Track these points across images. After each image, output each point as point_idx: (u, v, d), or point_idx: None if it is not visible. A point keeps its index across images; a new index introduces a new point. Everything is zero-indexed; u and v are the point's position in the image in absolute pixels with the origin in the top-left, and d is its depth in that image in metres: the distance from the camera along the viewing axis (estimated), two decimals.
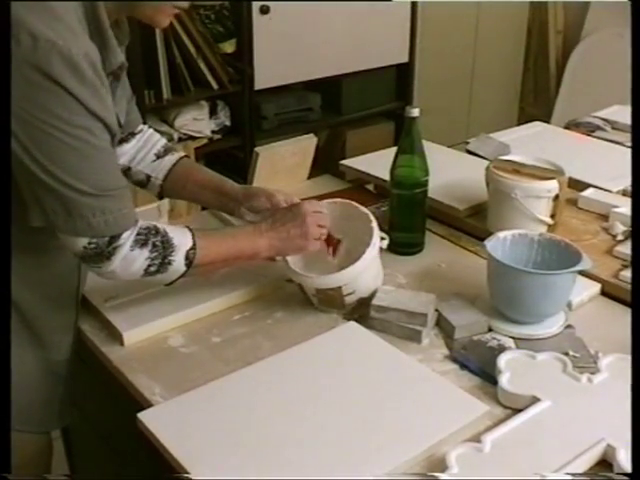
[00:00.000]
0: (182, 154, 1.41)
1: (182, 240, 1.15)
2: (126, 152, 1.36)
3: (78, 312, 1.28)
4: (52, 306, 1.21)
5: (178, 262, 1.14)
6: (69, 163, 1.01)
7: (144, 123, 1.41)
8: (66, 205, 1.03)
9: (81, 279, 1.27)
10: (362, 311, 1.28)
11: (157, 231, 1.13)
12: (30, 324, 1.18)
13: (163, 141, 1.41)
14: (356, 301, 1.28)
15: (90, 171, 1.03)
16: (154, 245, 1.12)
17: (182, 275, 1.17)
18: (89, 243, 1.07)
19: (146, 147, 1.38)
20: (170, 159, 1.38)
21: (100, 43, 1.04)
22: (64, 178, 1.01)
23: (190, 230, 1.17)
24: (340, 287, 1.25)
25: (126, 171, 1.37)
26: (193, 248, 1.15)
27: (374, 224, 1.29)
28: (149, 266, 1.12)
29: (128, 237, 1.09)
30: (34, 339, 1.20)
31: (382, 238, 1.31)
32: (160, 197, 1.41)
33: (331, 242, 1.31)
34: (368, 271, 1.27)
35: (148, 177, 1.37)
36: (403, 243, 1.49)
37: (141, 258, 1.11)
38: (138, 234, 1.11)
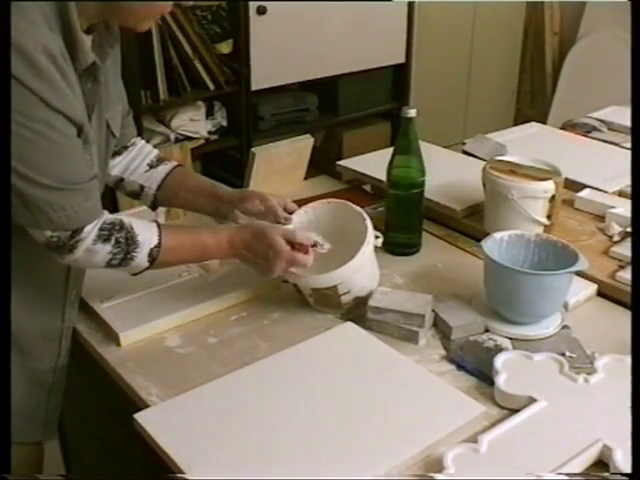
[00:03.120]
0: (175, 163, 1.39)
1: (147, 237, 1.15)
2: (118, 163, 1.35)
3: (65, 321, 1.25)
4: (32, 312, 1.19)
5: (140, 259, 1.15)
6: (29, 157, 1.00)
7: (138, 135, 1.40)
8: (25, 201, 1.03)
9: (70, 287, 1.24)
10: (358, 311, 1.28)
11: (122, 227, 1.13)
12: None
13: (155, 152, 1.40)
14: (352, 300, 1.28)
15: (51, 165, 1.03)
16: (117, 241, 1.12)
17: (145, 270, 1.18)
18: (51, 236, 1.07)
19: (139, 157, 1.37)
20: (164, 168, 1.37)
21: (69, 41, 1.03)
22: (24, 172, 1.01)
23: (158, 227, 1.17)
24: (335, 286, 1.24)
25: (119, 182, 1.37)
26: (158, 246, 1.16)
27: (368, 222, 1.29)
28: (111, 260, 1.13)
29: (90, 231, 1.09)
30: (13, 345, 1.17)
31: (376, 237, 1.31)
32: (153, 208, 1.40)
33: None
34: (363, 270, 1.27)
35: (142, 187, 1.36)
36: (400, 244, 1.49)
37: (103, 252, 1.12)
38: (101, 229, 1.11)
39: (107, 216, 1.13)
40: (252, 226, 1.25)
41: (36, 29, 0.98)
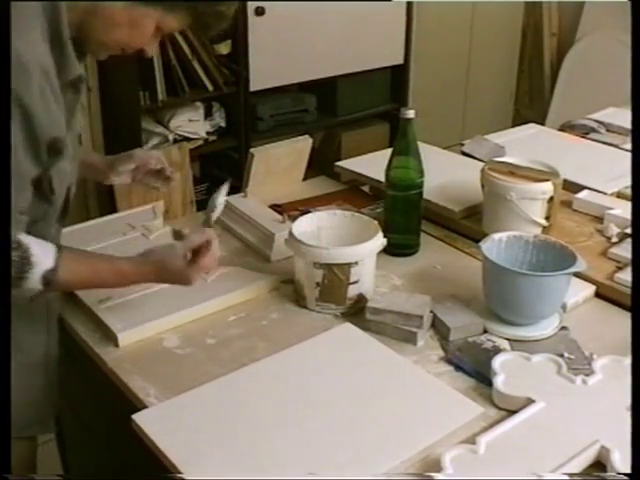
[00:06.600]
0: None
1: (42, 260, 1.09)
2: None
3: (50, 314, 1.25)
4: (16, 305, 1.16)
5: (33, 280, 1.08)
6: None
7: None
8: None
9: None
10: (358, 306, 1.29)
11: (19, 245, 1.08)
12: None
13: None
14: (357, 296, 1.29)
15: None
16: (12, 260, 1.07)
17: (41, 293, 1.13)
18: None
19: None
20: None
21: (59, 53, 1.04)
22: None
23: (58, 251, 1.11)
24: (349, 267, 1.26)
25: None
26: (54, 269, 1.09)
27: (376, 223, 1.35)
28: None
29: None
30: None
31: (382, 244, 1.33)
32: None
33: None
34: (372, 262, 1.30)
35: None
36: (398, 245, 1.49)
37: None
38: None
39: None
40: (152, 261, 1.19)
41: (35, 44, 1.00)
